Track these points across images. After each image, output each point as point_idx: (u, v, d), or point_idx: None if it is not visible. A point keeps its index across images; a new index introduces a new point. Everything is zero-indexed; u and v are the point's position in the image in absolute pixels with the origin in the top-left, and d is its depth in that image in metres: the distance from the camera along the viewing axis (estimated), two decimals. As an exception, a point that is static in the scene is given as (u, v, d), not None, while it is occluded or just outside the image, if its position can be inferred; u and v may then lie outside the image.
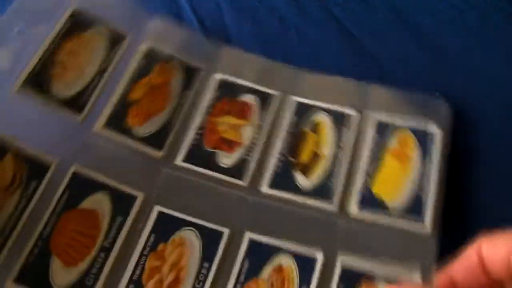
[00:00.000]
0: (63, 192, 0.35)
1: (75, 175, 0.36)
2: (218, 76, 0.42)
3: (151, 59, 0.41)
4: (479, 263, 0.27)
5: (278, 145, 0.40)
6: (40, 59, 0.38)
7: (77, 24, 0.40)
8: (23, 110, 0.36)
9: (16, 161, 0.35)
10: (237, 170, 0.38)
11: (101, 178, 0.36)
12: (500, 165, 0.37)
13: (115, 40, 0.41)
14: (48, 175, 0.35)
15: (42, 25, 0.39)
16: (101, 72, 0.39)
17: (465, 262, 0.28)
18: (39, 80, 0.38)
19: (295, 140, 0.40)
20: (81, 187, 0.36)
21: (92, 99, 0.38)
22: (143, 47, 0.41)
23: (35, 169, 0.35)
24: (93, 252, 0.34)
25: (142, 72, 0.41)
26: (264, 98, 0.42)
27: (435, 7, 0.42)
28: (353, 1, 0.43)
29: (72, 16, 0.41)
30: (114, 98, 0.39)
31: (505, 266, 0.26)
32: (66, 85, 0.38)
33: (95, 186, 0.36)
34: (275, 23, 0.42)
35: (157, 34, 0.42)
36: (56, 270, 0.33)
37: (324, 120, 0.41)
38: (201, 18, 0.42)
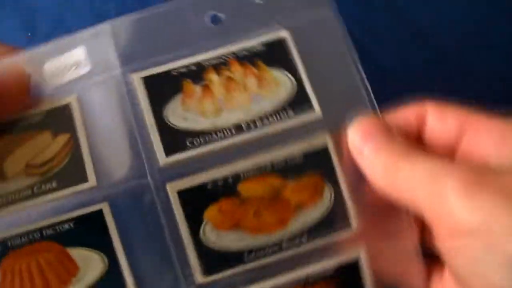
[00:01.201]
0: (68, 221, 0.29)
1: (96, 214, 0.29)
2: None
3: (310, 161, 0.30)
4: (417, 127, 0.29)
5: None
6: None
7: (273, 54, 0.32)
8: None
9: (65, 145, 0.30)
10: None
11: (115, 241, 0.29)
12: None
13: (297, 101, 0.31)
14: (74, 188, 0.29)
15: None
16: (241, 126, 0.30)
17: (402, 120, 0.30)
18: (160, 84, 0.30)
19: None
20: (91, 230, 0.29)
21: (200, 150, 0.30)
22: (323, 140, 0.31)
23: (69, 171, 0.29)
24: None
25: (287, 168, 0.30)
26: None
27: (436, 7, 0.44)
28: (353, 1, 0.45)
29: (281, 41, 0.32)
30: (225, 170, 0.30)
31: (449, 143, 0.28)
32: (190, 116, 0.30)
33: (102, 244, 0.28)
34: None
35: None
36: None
37: None
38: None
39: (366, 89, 0.31)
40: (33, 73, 0.31)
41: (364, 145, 0.28)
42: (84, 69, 0.31)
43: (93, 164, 0.29)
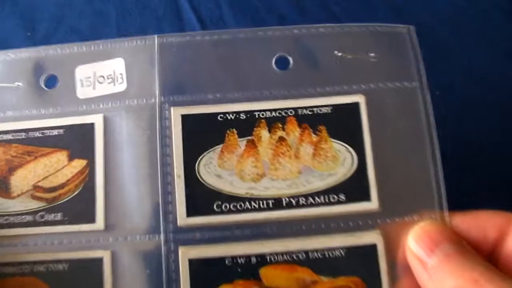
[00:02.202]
0: (63, 261, 0.26)
1: (95, 262, 0.26)
2: None
3: (352, 260, 0.26)
4: (494, 240, 0.26)
5: None
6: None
7: (340, 122, 0.28)
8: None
9: (79, 172, 0.28)
10: None
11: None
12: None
13: (353, 185, 0.27)
14: (78, 226, 0.26)
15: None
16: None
17: (474, 227, 0.26)
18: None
19: None
20: (85, 278, 0.26)
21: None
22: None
23: (78, 205, 0.27)
24: None
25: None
26: None
27: (435, 6, 0.46)
28: (353, 0, 0.47)
29: (353, 107, 0.28)
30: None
31: None
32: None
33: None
34: (275, 22, 0.46)
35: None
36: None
37: None
38: (200, 17, 0.46)
39: (438, 184, 0.27)
40: (62, 75, 0.28)
41: (430, 256, 0.25)
42: (118, 87, 0.28)
43: (105, 204, 0.27)
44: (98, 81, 0.28)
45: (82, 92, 0.28)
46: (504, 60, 0.45)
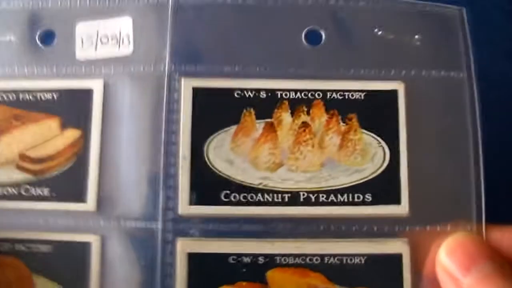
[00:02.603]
0: (47, 242, 0.23)
1: (82, 246, 0.24)
2: None
3: (372, 270, 0.24)
4: None
5: None
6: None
7: (374, 111, 0.24)
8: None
9: (72, 144, 0.25)
10: None
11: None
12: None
13: (382, 185, 0.24)
14: (66, 204, 0.24)
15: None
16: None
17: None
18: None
19: None
20: (69, 264, 0.23)
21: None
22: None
23: (67, 181, 0.24)
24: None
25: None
26: None
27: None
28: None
29: (390, 96, 0.24)
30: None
31: None
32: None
33: (76, 284, 0.23)
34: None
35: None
36: None
37: None
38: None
39: (477, 192, 0.24)
40: (60, 32, 0.25)
41: (465, 274, 0.22)
42: (123, 50, 0.25)
43: (98, 182, 0.24)
44: (101, 41, 0.25)
45: (82, 53, 0.25)
46: (504, 60, 0.43)
